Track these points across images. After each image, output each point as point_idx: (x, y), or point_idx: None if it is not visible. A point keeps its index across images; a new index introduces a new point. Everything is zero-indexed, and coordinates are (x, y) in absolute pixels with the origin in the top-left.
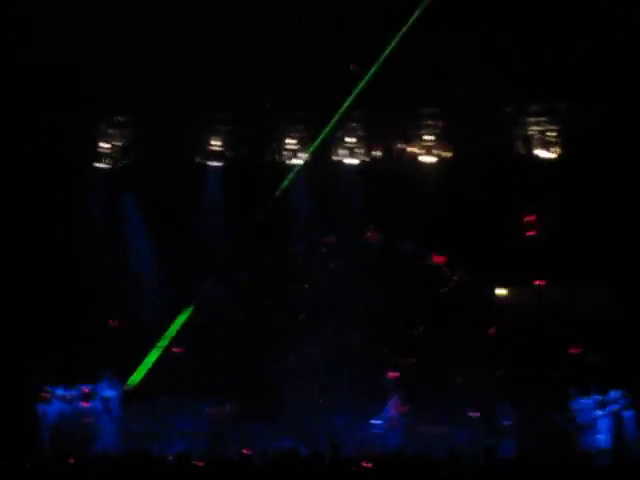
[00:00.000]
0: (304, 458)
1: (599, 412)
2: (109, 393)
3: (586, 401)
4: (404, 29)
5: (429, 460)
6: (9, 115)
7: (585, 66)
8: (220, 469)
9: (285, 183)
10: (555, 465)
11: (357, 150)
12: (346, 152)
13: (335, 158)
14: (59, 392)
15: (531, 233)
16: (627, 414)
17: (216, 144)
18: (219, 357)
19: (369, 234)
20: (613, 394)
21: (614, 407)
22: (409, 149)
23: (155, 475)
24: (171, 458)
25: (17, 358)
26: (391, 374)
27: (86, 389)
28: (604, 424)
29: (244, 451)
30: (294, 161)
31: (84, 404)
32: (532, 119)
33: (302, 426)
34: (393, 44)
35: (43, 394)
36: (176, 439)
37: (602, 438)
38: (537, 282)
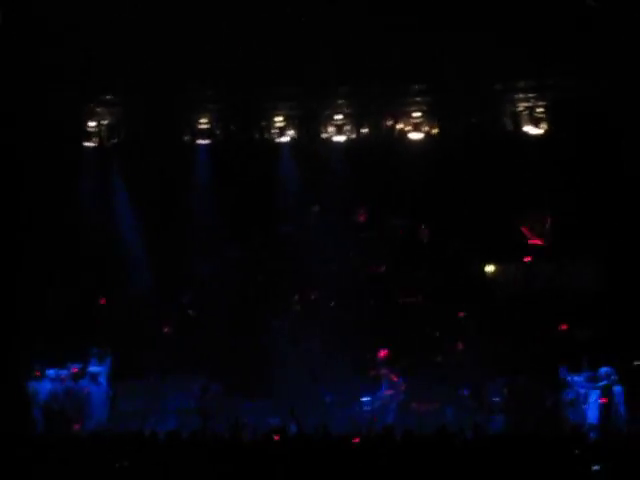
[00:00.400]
0: (293, 436)
1: (589, 388)
2: (97, 369)
3: (576, 377)
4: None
5: (419, 437)
6: None
7: (572, 41)
8: (210, 446)
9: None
10: (544, 441)
11: (345, 127)
12: (334, 129)
13: (324, 135)
14: (50, 372)
15: (535, 241)
16: (616, 389)
17: (204, 122)
18: (208, 335)
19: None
20: (602, 370)
21: (603, 383)
22: (397, 126)
23: (146, 453)
24: (162, 436)
25: (8, 337)
26: (382, 353)
27: (75, 368)
28: (593, 400)
29: None
30: (282, 139)
31: (74, 383)
32: (520, 95)
33: (291, 404)
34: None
35: (35, 372)
36: (166, 417)
37: (591, 414)
38: (527, 258)
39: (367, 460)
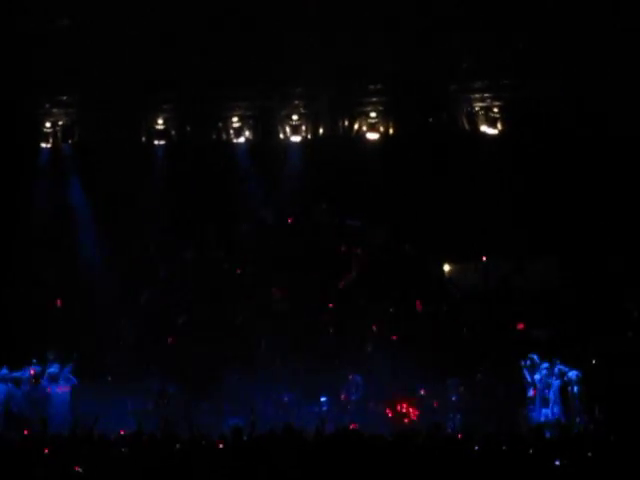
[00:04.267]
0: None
1: (546, 386)
2: (54, 369)
3: (533, 375)
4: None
5: (380, 438)
6: None
7: (527, 43)
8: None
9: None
10: (501, 439)
11: (302, 127)
12: (290, 129)
13: (281, 136)
14: (3, 373)
15: None
16: (574, 387)
17: (160, 123)
18: (166, 337)
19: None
20: (559, 368)
21: (560, 381)
22: (354, 126)
23: (106, 455)
24: (119, 437)
25: None
26: None
27: (32, 370)
28: (552, 397)
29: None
30: (240, 139)
31: (32, 385)
32: (476, 95)
33: (250, 405)
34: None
35: None
36: (125, 419)
37: (549, 411)
38: (484, 257)
39: (326, 460)
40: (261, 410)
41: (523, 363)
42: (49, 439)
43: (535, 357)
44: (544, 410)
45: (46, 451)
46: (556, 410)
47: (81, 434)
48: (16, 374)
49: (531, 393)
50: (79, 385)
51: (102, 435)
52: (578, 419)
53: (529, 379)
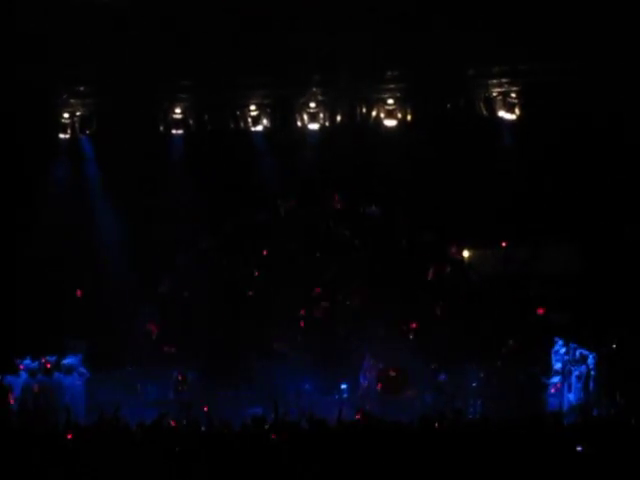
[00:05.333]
0: (277, 425)
1: (567, 371)
2: (71, 361)
3: (553, 361)
4: None
5: (403, 426)
6: None
7: (546, 26)
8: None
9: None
10: (522, 424)
11: (319, 115)
12: (308, 117)
13: (299, 123)
14: (26, 363)
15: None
16: (594, 373)
17: (178, 112)
18: (186, 325)
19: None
20: (580, 353)
21: (581, 366)
22: (371, 113)
23: (124, 444)
24: (139, 427)
25: None
26: None
27: (48, 363)
28: (574, 382)
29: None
30: (257, 127)
31: (48, 376)
32: (494, 81)
33: (270, 393)
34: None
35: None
36: (144, 408)
37: (569, 397)
38: (504, 243)
39: (351, 448)
40: (282, 398)
41: (544, 348)
42: (73, 427)
43: (559, 341)
44: (566, 395)
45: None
46: (578, 395)
47: (105, 422)
48: (34, 364)
49: (554, 379)
50: (94, 374)
51: (124, 423)
52: (599, 404)
53: (552, 364)
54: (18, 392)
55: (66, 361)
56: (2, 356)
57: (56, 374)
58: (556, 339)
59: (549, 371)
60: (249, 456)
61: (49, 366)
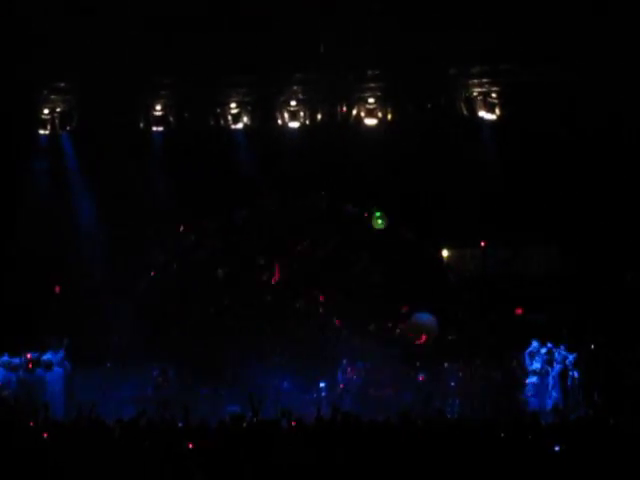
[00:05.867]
0: (256, 423)
1: (545, 371)
2: (51, 357)
3: (532, 361)
4: None
5: (382, 424)
6: None
7: (528, 26)
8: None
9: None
10: (500, 424)
11: (300, 113)
12: (288, 115)
13: (279, 122)
14: (4, 359)
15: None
16: (573, 373)
17: (158, 109)
18: (166, 323)
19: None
20: (560, 352)
21: (559, 366)
22: (352, 112)
23: (102, 441)
24: (118, 424)
25: None
26: None
27: (29, 357)
28: (551, 382)
29: None
30: (238, 125)
31: (29, 372)
32: (475, 80)
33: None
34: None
35: None
36: (123, 404)
37: (548, 397)
38: (483, 243)
39: (329, 445)
40: (260, 396)
41: (523, 349)
42: (51, 424)
43: (535, 342)
44: (544, 395)
45: (46, 436)
46: (556, 395)
47: (80, 419)
48: (15, 360)
49: (532, 379)
50: (74, 371)
51: (101, 420)
52: (577, 404)
53: (529, 364)
54: None
55: (46, 357)
56: None
57: (38, 370)
58: (533, 339)
59: (527, 371)
60: (226, 453)
61: (30, 359)
